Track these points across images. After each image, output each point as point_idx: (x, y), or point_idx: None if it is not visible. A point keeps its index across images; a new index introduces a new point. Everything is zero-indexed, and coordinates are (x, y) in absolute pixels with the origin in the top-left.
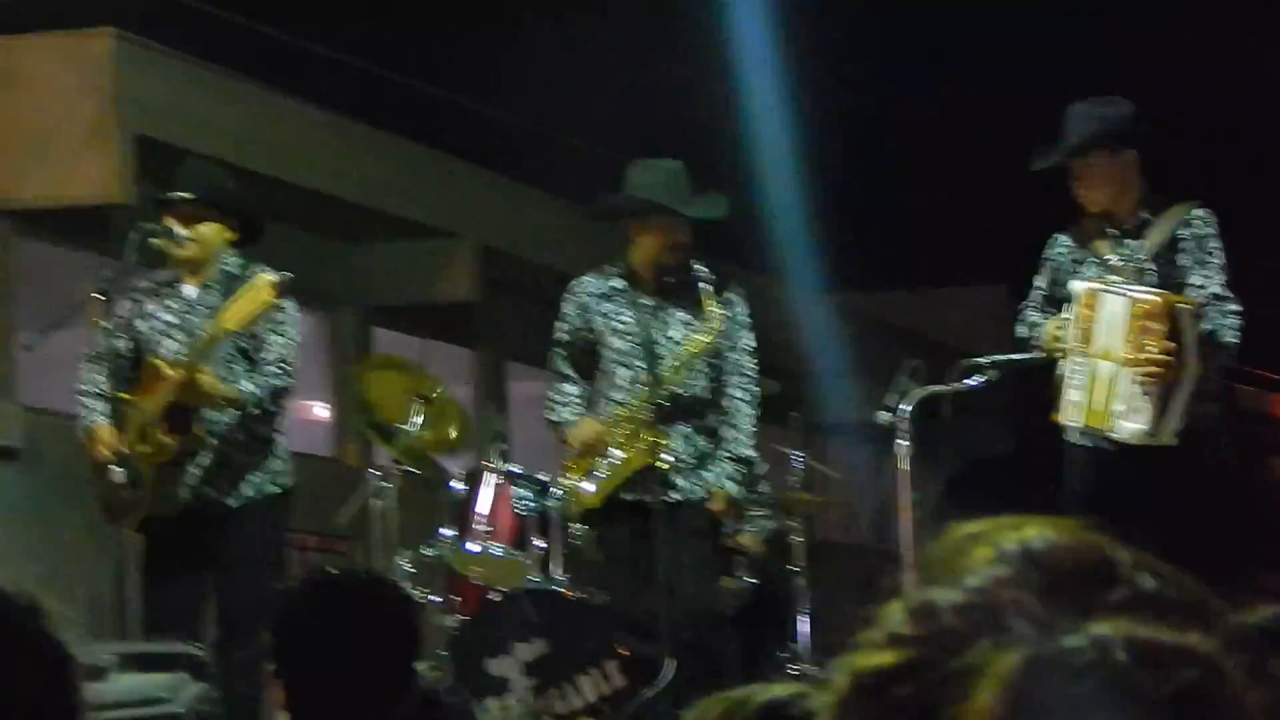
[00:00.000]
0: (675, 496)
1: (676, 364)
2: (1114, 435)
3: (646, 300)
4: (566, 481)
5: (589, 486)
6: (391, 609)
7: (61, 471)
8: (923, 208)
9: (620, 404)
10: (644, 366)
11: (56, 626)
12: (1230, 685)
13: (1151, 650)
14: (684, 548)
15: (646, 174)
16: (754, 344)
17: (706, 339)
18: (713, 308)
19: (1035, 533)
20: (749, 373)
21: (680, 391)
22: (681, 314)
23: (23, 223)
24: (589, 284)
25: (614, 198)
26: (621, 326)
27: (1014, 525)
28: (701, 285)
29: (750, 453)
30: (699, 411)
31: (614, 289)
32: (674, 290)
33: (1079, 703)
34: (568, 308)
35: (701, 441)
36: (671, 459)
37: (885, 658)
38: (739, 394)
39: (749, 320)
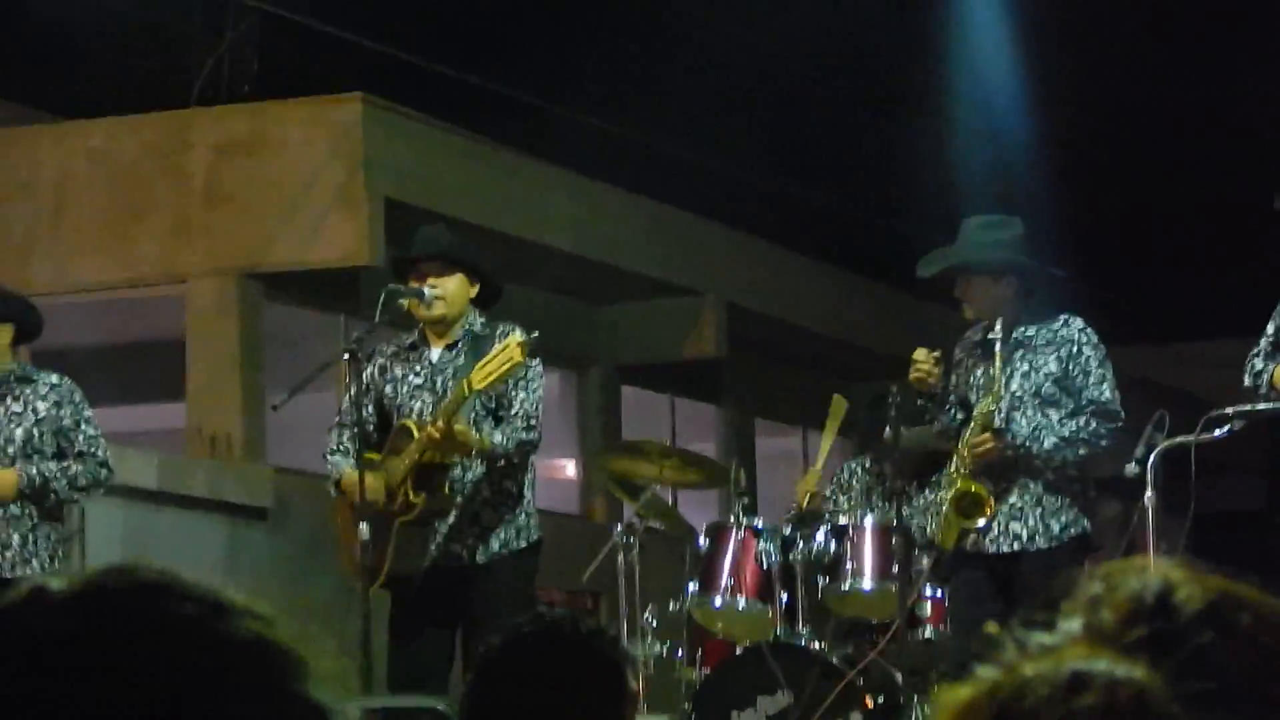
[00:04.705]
0: (1010, 547)
1: (973, 425)
2: None
3: (983, 353)
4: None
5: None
6: (595, 665)
7: (309, 531)
8: (1174, 261)
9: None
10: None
11: (314, 683)
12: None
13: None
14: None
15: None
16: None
17: (989, 404)
18: (995, 369)
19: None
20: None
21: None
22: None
23: (271, 286)
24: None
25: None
26: (973, 380)
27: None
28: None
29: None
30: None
31: (974, 341)
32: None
33: None
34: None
35: (1036, 487)
36: (984, 520)
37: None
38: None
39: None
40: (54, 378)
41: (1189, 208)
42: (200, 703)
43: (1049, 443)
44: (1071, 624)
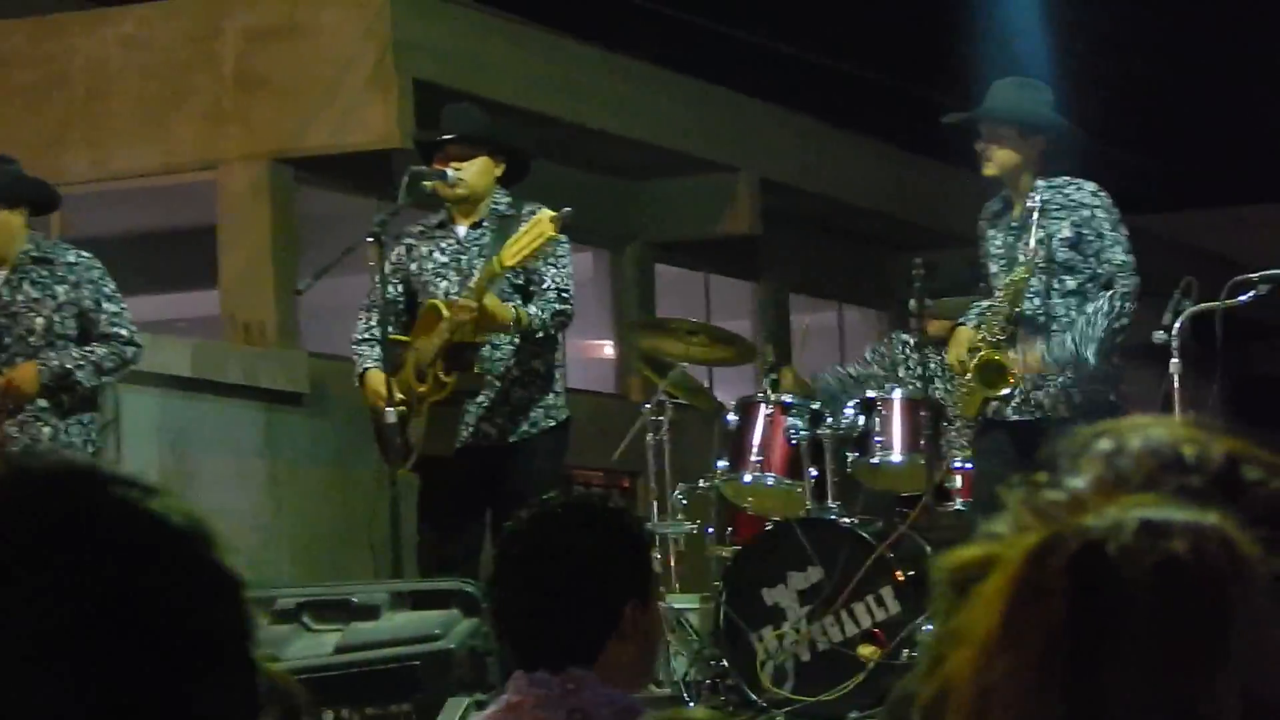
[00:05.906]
0: (1033, 415)
1: (1006, 293)
2: None
3: (1013, 222)
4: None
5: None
6: (618, 542)
7: (346, 415)
8: (1213, 125)
9: (977, 329)
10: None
11: (222, 551)
12: (1224, 560)
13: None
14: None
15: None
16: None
17: (1021, 274)
18: (1030, 236)
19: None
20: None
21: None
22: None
23: (304, 170)
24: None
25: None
26: (994, 251)
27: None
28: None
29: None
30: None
31: (994, 212)
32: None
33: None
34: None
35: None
36: (1008, 389)
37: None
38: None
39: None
40: (71, 255)
41: (1228, 71)
42: (139, 582)
43: (1090, 352)
44: (1077, 481)
